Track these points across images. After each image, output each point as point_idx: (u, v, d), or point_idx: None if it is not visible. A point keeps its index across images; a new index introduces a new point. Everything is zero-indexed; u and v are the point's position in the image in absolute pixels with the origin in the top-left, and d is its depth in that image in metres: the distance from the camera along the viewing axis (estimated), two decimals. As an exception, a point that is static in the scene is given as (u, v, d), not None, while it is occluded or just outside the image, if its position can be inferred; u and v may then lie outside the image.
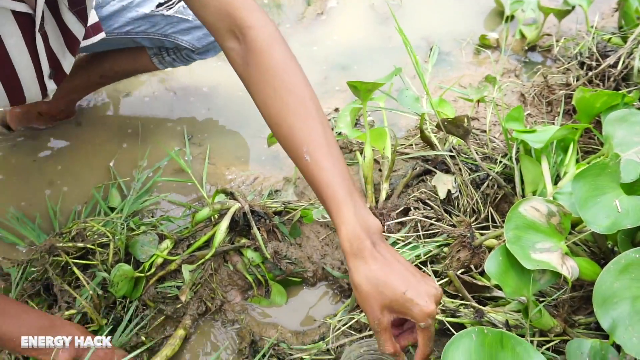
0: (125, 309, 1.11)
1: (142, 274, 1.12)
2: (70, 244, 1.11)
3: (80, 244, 1.13)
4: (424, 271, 1.11)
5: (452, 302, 1.02)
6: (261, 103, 0.85)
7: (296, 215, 1.25)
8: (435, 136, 1.35)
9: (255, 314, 1.19)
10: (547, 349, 0.93)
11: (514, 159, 1.23)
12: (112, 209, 1.32)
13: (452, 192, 1.23)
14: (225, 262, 1.21)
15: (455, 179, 1.25)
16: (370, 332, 1.04)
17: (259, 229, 1.18)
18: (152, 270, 1.14)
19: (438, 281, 1.08)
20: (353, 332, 1.07)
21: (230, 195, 1.24)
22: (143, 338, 1.08)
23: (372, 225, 0.79)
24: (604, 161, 0.86)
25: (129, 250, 1.16)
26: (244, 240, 1.19)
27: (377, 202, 1.27)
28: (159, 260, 1.15)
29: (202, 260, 1.16)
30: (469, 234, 1.07)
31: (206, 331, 1.16)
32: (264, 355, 1.07)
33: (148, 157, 1.46)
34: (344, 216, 0.78)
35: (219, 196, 1.27)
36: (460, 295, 1.02)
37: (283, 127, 0.82)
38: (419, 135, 1.35)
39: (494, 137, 1.38)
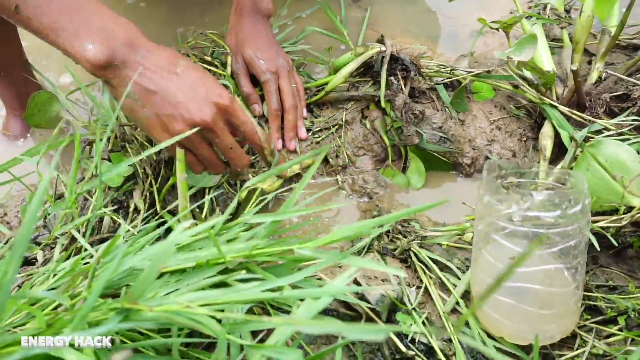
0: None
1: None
2: (195, 52, 1.01)
3: (208, 57, 1.02)
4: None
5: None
6: None
7: (464, 83, 0.99)
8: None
9: (386, 191, 0.97)
10: None
11: None
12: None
13: None
14: (363, 119, 1.00)
15: None
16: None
17: (395, 75, 0.95)
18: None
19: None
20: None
21: (381, 41, 1.03)
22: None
23: (263, 6, 1.00)
24: None
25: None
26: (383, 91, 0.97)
27: (583, 83, 0.96)
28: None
29: (312, 99, 1.01)
30: None
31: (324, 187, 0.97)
32: (388, 232, 0.84)
33: (289, 7, 1.31)
34: None
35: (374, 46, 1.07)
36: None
37: None
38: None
39: None
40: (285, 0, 1.33)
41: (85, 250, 0.65)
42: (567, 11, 1.21)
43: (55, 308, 0.54)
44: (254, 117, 0.98)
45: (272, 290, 0.55)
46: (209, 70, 1.00)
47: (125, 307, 0.42)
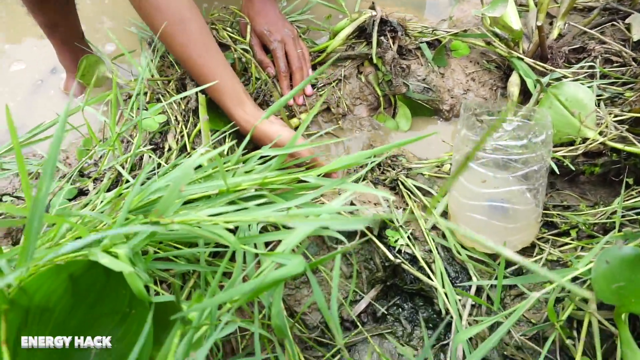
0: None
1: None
2: (219, 24, 0.94)
3: (229, 29, 0.95)
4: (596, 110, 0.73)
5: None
6: None
7: (444, 42, 0.92)
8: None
9: (379, 133, 0.92)
10: None
11: None
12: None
13: (652, 33, 0.80)
14: (359, 74, 0.94)
15: (659, 20, 0.81)
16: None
17: (385, 35, 0.89)
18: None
19: (617, 122, 0.69)
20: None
21: (372, 8, 0.95)
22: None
23: None
24: None
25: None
26: (371, 50, 0.90)
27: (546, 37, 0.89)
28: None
29: (316, 60, 0.94)
30: (676, 64, 0.66)
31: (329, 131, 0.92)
32: (379, 165, 0.80)
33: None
34: None
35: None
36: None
37: None
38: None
39: None
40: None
41: (128, 182, 0.62)
42: (533, -20, 1.12)
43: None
44: (268, 77, 0.92)
45: (281, 211, 0.51)
46: (230, 38, 0.94)
47: (153, 221, 0.38)
